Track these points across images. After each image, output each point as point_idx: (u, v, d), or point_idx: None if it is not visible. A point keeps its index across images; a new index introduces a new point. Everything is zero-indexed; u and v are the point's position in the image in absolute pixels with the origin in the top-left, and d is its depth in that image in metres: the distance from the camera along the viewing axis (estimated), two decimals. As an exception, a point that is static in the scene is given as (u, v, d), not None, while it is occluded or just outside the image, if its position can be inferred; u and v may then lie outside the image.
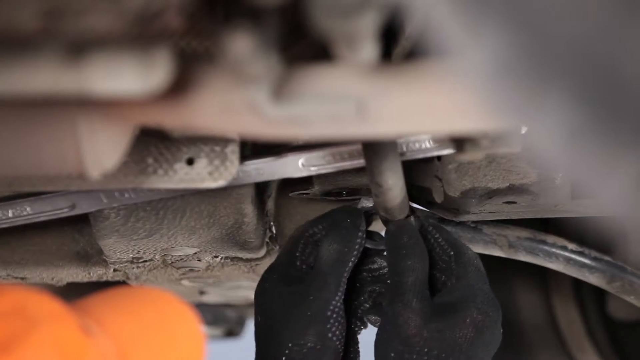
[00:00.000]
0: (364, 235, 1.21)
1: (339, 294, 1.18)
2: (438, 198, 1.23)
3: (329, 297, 1.18)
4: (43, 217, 1.26)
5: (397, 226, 1.20)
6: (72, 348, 0.80)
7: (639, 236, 0.64)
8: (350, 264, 1.19)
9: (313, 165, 1.21)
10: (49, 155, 0.90)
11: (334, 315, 1.18)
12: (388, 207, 1.20)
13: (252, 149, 1.24)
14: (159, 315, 0.95)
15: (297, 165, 1.21)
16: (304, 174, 1.21)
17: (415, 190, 1.27)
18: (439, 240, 1.20)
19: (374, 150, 1.11)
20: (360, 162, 1.19)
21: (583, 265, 1.31)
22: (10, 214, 1.26)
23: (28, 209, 1.26)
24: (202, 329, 0.97)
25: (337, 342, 1.18)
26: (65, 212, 1.26)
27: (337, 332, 1.18)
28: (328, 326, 1.17)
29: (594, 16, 0.56)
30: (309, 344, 1.17)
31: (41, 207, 1.25)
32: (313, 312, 1.17)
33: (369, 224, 1.23)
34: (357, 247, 1.20)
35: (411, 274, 1.17)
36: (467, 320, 1.15)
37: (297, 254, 1.23)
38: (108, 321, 0.88)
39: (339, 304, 1.18)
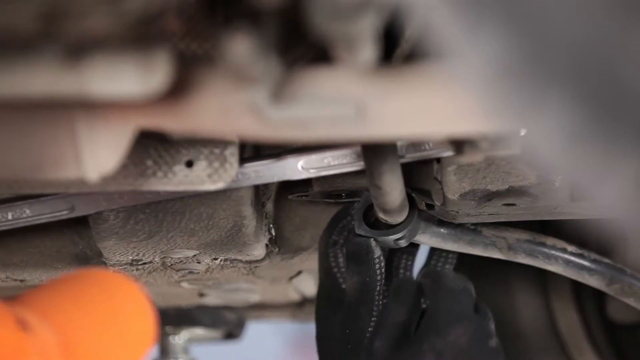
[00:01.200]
0: (381, 259, 1.25)
1: (374, 317, 1.23)
2: (437, 200, 1.23)
3: (363, 327, 1.23)
4: (42, 220, 1.26)
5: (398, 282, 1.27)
6: (7, 347, 0.79)
7: (638, 238, 0.64)
8: (378, 287, 1.24)
9: (312, 168, 1.21)
10: (48, 158, 0.90)
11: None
12: (387, 209, 1.20)
13: (254, 151, 1.24)
14: (106, 298, 0.94)
15: (296, 168, 1.21)
16: (304, 176, 1.21)
17: (415, 192, 1.27)
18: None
19: (373, 152, 1.11)
20: (359, 164, 1.19)
21: (582, 267, 1.31)
22: (9, 217, 1.26)
23: (27, 211, 1.26)
24: (152, 308, 0.96)
25: None
26: (64, 215, 1.25)
27: None
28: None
29: (593, 18, 0.56)
30: None
31: (40, 210, 1.25)
32: (353, 344, 1.22)
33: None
34: (377, 275, 1.24)
35: (389, 314, 1.23)
36: (424, 351, 1.18)
37: (335, 270, 1.27)
38: (52, 311, 0.87)
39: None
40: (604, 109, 0.57)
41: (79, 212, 1.25)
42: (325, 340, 1.27)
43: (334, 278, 1.28)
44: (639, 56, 0.55)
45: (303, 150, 1.20)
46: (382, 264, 1.25)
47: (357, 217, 1.27)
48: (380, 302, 1.25)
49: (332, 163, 1.21)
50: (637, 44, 0.55)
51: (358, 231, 1.26)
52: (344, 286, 1.28)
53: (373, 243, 1.25)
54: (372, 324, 1.23)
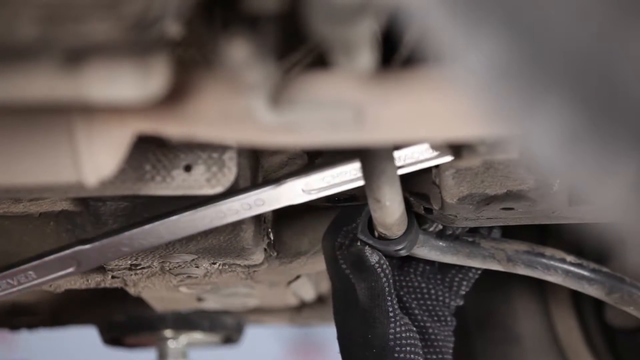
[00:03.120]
0: (382, 263, 1.25)
1: (392, 319, 1.24)
2: (435, 204, 1.23)
3: (384, 330, 1.24)
4: (51, 280, 1.26)
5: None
6: None
7: (637, 242, 0.64)
8: (387, 289, 1.24)
9: (314, 189, 1.20)
10: (46, 162, 0.90)
11: (397, 342, 1.24)
12: (387, 222, 1.20)
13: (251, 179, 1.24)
14: None
15: (297, 192, 1.20)
16: (306, 199, 1.20)
17: (413, 196, 1.27)
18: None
19: (371, 166, 1.10)
20: (360, 181, 1.18)
21: (582, 277, 1.31)
22: (15, 282, 1.27)
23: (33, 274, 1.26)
24: None
25: (413, 356, 1.24)
26: (72, 272, 1.26)
27: (408, 349, 1.24)
28: (395, 355, 1.23)
29: (591, 20, 0.56)
30: None
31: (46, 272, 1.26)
32: (377, 348, 1.24)
33: None
34: (381, 279, 1.25)
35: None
36: None
37: (347, 271, 1.28)
38: None
39: (397, 328, 1.24)
40: (601, 112, 0.57)
41: (85, 267, 1.26)
42: (347, 344, 1.28)
43: (346, 279, 1.28)
44: (637, 58, 0.55)
45: (302, 172, 1.20)
46: (385, 267, 1.25)
47: (363, 221, 1.26)
48: (396, 305, 1.25)
49: (332, 182, 1.20)
50: (635, 46, 0.55)
51: (360, 235, 1.26)
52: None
53: (368, 251, 1.25)
54: (391, 326, 1.24)
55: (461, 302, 1.36)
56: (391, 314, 1.24)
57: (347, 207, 1.30)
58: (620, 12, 0.55)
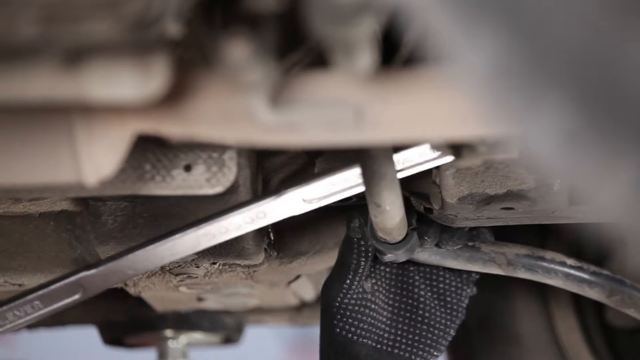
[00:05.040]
0: (361, 243, 1.30)
1: (344, 290, 1.30)
2: (436, 204, 1.23)
3: (335, 294, 1.31)
4: (57, 309, 1.26)
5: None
6: None
7: (637, 242, 0.64)
8: (353, 265, 1.31)
9: (314, 199, 1.20)
10: (46, 162, 0.90)
11: (342, 306, 1.30)
12: (387, 227, 1.20)
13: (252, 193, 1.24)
14: None
15: (298, 202, 1.20)
16: (307, 209, 1.20)
17: (413, 196, 1.27)
18: None
19: (371, 170, 1.10)
20: (360, 187, 1.18)
21: (582, 280, 1.31)
22: (22, 313, 1.26)
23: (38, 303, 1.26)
24: None
25: (354, 329, 1.30)
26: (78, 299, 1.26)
27: (352, 319, 1.30)
28: (338, 316, 1.30)
29: (591, 20, 0.56)
30: None
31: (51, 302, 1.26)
32: (323, 305, 1.32)
33: None
34: (354, 255, 1.31)
35: None
36: None
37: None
38: None
39: (345, 300, 1.30)
40: (602, 111, 0.57)
41: (91, 293, 1.25)
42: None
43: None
44: (637, 58, 0.55)
45: (301, 182, 1.20)
46: (362, 248, 1.29)
47: (372, 237, 1.27)
48: (356, 283, 1.30)
49: (333, 190, 1.20)
50: (635, 45, 0.55)
51: (382, 248, 1.27)
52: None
53: (356, 224, 1.29)
54: (341, 294, 1.29)
55: (475, 291, 1.36)
56: (345, 286, 1.30)
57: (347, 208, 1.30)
58: (620, 11, 0.55)
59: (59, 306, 1.25)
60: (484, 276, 1.37)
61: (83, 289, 1.24)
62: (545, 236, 1.54)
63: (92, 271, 1.22)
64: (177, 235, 1.19)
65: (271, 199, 1.18)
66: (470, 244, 1.30)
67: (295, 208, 1.19)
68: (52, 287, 1.24)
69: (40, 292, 1.24)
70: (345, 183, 1.19)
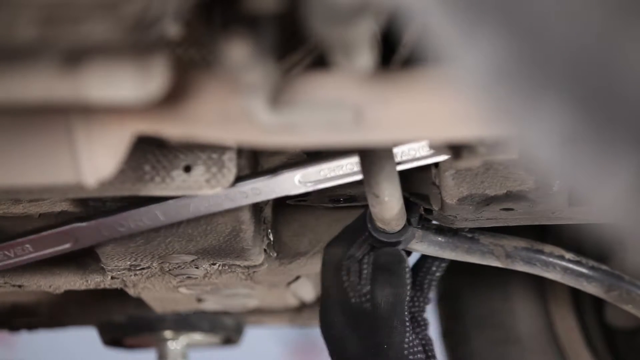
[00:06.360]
0: (410, 270, 1.27)
1: (407, 329, 1.24)
2: (435, 205, 1.23)
3: (401, 340, 1.24)
4: (47, 255, 1.27)
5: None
6: None
7: (636, 243, 0.64)
8: (408, 298, 1.26)
9: (309, 181, 1.21)
10: (45, 163, 0.90)
11: (412, 350, 1.24)
12: (386, 218, 1.20)
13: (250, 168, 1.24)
14: None
15: (293, 183, 1.20)
16: (302, 190, 1.21)
17: (413, 197, 1.27)
18: None
19: (370, 160, 1.11)
20: (356, 175, 1.19)
21: (580, 274, 1.31)
22: (12, 254, 1.27)
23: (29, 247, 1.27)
24: None
25: None
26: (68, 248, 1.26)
27: (418, 356, 1.25)
28: None
29: (590, 21, 0.56)
30: None
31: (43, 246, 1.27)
32: (392, 359, 1.23)
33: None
34: (407, 285, 1.26)
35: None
36: None
37: (346, 284, 1.28)
38: None
39: (411, 337, 1.25)
40: (601, 112, 0.57)
41: (81, 244, 1.26)
42: (348, 356, 1.26)
43: (344, 293, 1.28)
44: (636, 59, 0.55)
45: (299, 164, 1.20)
46: (410, 275, 1.27)
47: (371, 225, 1.26)
48: (408, 316, 1.26)
49: (328, 175, 1.20)
50: (634, 46, 0.55)
51: (380, 237, 1.26)
52: (353, 300, 1.28)
53: (404, 254, 1.26)
54: (407, 335, 1.24)
55: (430, 303, 1.36)
56: (407, 323, 1.25)
57: (356, 221, 1.30)
58: (620, 12, 0.55)
59: (49, 252, 1.27)
60: (483, 276, 1.37)
61: (74, 240, 1.25)
62: (544, 237, 1.54)
63: (84, 223, 1.24)
64: (171, 199, 1.20)
65: (267, 177, 1.20)
66: (469, 235, 1.30)
67: (290, 188, 1.21)
68: (44, 233, 1.25)
69: (32, 237, 1.25)
70: (342, 170, 1.20)
